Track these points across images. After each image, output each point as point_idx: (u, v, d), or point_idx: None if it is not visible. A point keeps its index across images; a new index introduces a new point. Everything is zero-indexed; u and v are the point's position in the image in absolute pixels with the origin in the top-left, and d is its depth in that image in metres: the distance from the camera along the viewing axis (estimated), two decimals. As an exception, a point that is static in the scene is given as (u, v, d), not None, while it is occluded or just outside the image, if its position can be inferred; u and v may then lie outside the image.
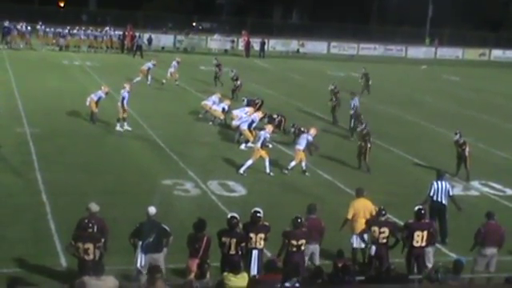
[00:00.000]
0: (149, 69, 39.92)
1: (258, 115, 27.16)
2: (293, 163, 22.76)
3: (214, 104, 29.36)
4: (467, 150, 23.38)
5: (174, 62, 40.19)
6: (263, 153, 22.79)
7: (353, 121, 29.44)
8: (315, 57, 64.99)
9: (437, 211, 17.13)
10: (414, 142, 29.08)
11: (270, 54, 62.45)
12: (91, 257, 12.37)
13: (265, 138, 23.12)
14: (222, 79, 39.60)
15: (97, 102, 28.53)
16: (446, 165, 24.21)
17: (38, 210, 17.71)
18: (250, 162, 22.47)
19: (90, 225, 12.66)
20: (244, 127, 26.20)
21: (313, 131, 23.49)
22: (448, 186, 17.46)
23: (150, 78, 39.45)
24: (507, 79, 57.25)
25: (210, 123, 29.44)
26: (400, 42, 76.64)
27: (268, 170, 22.48)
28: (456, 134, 23.89)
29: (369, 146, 23.72)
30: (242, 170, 22.30)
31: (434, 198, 17.28)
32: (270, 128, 24.01)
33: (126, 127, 27.47)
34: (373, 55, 70.16)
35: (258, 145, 22.84)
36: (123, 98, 27.81)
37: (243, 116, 26.97)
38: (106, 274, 10.89)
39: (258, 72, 47.91)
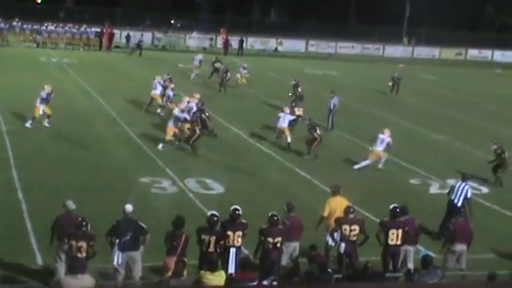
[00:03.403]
0: (200, 62, 43.15)
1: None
2: (364, 163, 23.72)
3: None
4: (506, 157, 23.58)
5: (241, 69, 41.33)
6: (381, 153, 23.71)
7: (331, 118, 29.60)
8: (293, 55, 65.12)
9: (450, 211, 17.50)
10: (392, 140, 29.15)
11: (249, 52, 62.49)
12: (84, 255, 12.36)
13: (388, 143, 23.88)
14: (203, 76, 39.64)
15: (44, 103, 26.64)
16: (422, 163, 24.45)
17: (13, 208, 17.59)
18: (367, 162, 23.63)
19: (84, 223, 12.61)
20: (284, 125, 26.35)
21: (387, 132, 24.08)
22: (468, 189, 17.67)
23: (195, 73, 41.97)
24: (483, 78, 57.73)
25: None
26: (377, 40, 76.95)
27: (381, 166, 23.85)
28: (495, 144, 24.14)
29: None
30: (357, 167, 23.53)
31: (452, 197, 17.62)
32: (387, 133, 24.14)
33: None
34: (350, 54, 70.47)
35: (380, 148, 23.75)
36: (168, 96, 28.92)
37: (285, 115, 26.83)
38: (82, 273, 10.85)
39: (236, 70, 47.87)
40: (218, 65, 41.96)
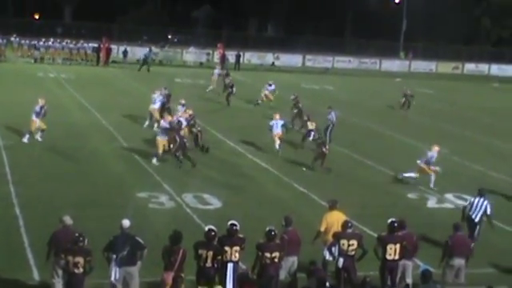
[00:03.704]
0: (219, 75, 43.33)
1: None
2: (412, 174, 24.09)
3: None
4: None
5: (267, 85, 40.55)
6: (429, 170, 23.78)
7: (328, 133, 29.60)
8: (290, 70, 65.21)
9: (468, 226, 17.55)
10: (389, 154, 29.22)
11: (246, 67, 62.59)
12: (81, 270, 12.31)
13: (431, 158, 24.00)
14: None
15: (39, 117, 26.69)
16: (420, 177, 24.40)
17: (10, 223, 17.53)
18: (412, 174, 24.04)
19: (81, 238, 12.56)
20: (279, 131, 27.71)
21: (436, 148, 24.28)
22: (487, 204, 17.70)
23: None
24: (480, 92, 57.84)
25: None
26: (374, 55, 77.23)
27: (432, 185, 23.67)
28: None
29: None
30: (403, 175, 24.01)
31: (470, 213, 17.68)
32: (436, 149, 24.29)
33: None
34: (347, 68, 70.64)
35: (427, 165, 23.86)
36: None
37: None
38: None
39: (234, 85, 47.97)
40: (227, 80, 42.30)
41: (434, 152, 24.01)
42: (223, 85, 41.61)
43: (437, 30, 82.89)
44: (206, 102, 38.08)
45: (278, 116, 28.30)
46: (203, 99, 39.31)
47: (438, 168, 23.91)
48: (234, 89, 39.74)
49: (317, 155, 25.31)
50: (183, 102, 29.37)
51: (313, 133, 28.44)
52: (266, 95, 39.88)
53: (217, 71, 45.06)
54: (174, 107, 30.47)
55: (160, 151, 24.69)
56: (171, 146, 24.63)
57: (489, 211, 17.64)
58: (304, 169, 25.03)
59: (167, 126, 24.95)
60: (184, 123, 26.51)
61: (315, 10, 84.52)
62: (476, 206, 17.65)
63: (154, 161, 24.56)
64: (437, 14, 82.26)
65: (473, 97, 52.65)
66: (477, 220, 17.54)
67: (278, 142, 27.40)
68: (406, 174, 24.20)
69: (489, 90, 62.27)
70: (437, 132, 35.34)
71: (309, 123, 29.04)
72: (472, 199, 17.98)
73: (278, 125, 27.72)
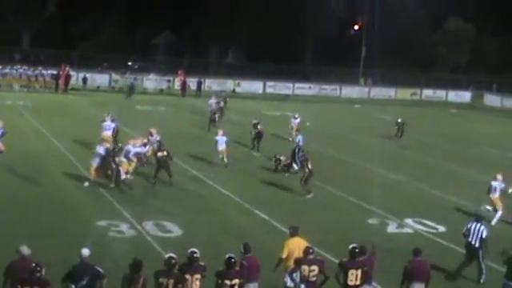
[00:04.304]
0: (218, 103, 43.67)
1: None
2: (499, 213, 23.85)
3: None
4: None
5: (294, 118, 39.54)
6: (498, 200, 23.89)
7: (296, 156, 29.64)
8: (251, 96, 65.41)
9: (469, 252, 17.79)
10: (349, 180, 29.34)
11: (207, 94, 62.51)
12: None
13: (501, 189, 23.96)
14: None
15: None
16: (380, 202, 24.56)
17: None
18: (500, 214, 23.76)
19: (39, 268, 12.34)
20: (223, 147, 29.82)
21: (500, 177, 24.25)
22: (483, 229, 17.80)
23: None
24: (438, 118, 58.53)
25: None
26: (334, 81, 77.80)
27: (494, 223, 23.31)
28: None
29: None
30: (493, 223, 23.16)
31: (469, 239, 17.81)
32: (500, 177, 24.18)
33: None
34: (308, 95, 71.03)
35: (496, 195, 23.87)
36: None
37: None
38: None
39: (195, 112, 47.95)
40: (222, 104, 42.97)
41: (498, 181, 24.04)
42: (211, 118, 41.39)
43: (396, 57, 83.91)
44: (167, 128, 37.90)
45: (221, 132, 30.38)
46: (164, 126, 39.14)
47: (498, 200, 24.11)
48: (217, 115, 40.22)
49: (303, 178, 25.64)
50: (154, 130, 29.19)
51: (289, 161, 29.29)
52: (292, 129, 38.56)
53: (213, 101, 44.86)
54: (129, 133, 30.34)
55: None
56: (109, 171, 24.86)
57: (484, 235, 17.79)
58: (308, 196, 25.38)
59: (102, 152, 24.97)
60: (145, 150, 26.54)
61: (275, 37, 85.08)
62: (473, 232, 17.79)
63: (86, 184, 24.74)
64: (395, 41, 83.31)
65: (431, 123, 53.26)
66: (477, 245, 17.68)
67: (221, 156, 29.65)
68: (495, 220, 23.75)
69: (446, 115, 63.11)
70: (396, 158, 35.68)
71: (281, 159, 29.82)
72: (469, 225, 18.08)
73: (222, 141, 29.84)
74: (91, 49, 79.10)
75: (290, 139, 37.44)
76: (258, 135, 34.50)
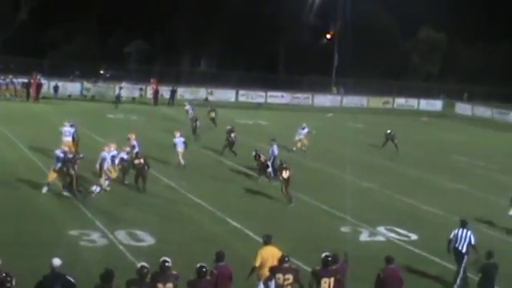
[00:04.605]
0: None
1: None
2: None
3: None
4: None
5: (301, 129, 39.21)
6: None
7: (271, 165, 29.67)
8: (223, 105, 65.33)
9: (456, 258, 17.99)
10: (322, 188, 29.43)
11: (179, 102, 62.37)
12: None
13: None
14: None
15: None
16: (352, 210, 24.66)
17: None
18: None
19: (9, 278, 12.19)
20: (181, 149, 30.95)
21: None
22: (470, 235, 18.02)
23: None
24: (410, 126, 58.90)
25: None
26: (307, 90, 78.02)
27: None
28: None
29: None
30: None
31: (456, 245, 18.00)
32: None
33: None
34: (280, 103, 71.12)
35: None
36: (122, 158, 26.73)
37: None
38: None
39: (167, 120, 47.84)
40: (213, 114, 43.11)
41: None
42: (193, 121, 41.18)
43: (368, 65, 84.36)
44: (139, 137, 37.76)
45: (178, 133, 31.42)
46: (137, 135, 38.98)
47: None
48: (199, 122, 40.22)
49: (283, 185, 25.88)
50: (132, 136, 29.17)
51: (269, 162, 29.67)
52: (299, 140, 38.51)
53: (189, 107, 46.07)
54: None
55: (49, 180, 24.89)
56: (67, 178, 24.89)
57: (473, 241, 18.00)
58: (290, 205, 25.63)
59: (60, 154, 24.99)
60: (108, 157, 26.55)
61: (248, 45, 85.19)
62: (461, 238, 18.00)
63: (44, 190, 24.70)
64: (368, 50, 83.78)
65: (403, 131, 53.51)
66: (464, 251, 17.89)
67: (180, 157, 30.70)
68: None
69: (418, 124, 63.53)
70: (368, 166, 35.85)
71: (261, 157, 29.90)
72: (455, 231, 18.25)
73: (180, 142, 30.97)
74: (63, 57, 78.54)
75: (294, 149, 38.02)
76: (230, 142, 34.81)
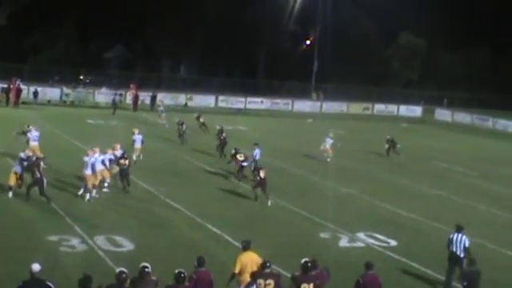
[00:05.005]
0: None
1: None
2: None
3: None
4: None
5: (327, 138, 39.26)
6: None
7: (252, 170, 29.70)
8: (203, 110, 65.20)
9: (454, 262, 18.24)
10: (301, 194, 29.48)
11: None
12: None
13: None
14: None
15: None
16: (332, 216, 24.72)
17: None
18: None
19: None
20: (138, 145, 32.77)
21: None
22: (465, 239, 18.29)
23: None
24: (389, 132, 58.98)
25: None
26: (286, 95, 78.19)
27: None
28: None
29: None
30: None
31: (453, 249, 18.29)
32: None
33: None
34: (260, 109, 71.21)
35: None
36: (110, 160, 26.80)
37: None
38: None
39: (147, 126, 47.72)
40: (202, 119, 45.01)
41: None
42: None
43: (348, 71, 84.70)
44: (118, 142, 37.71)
45: (137, 131, 33.36)
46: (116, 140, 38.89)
47: None
48: (185, 126, 40.95)
49: (256, 184, 26.26)
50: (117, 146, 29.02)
51: (246, 163, 30.19)
52: (325, 150, 38.68)
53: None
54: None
55: (11, 183, 24.87)
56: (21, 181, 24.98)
57: (467, 244, 18.27)
58: (269, 203, 26.22)
59: (23, 156, 25.11)
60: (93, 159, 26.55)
61: (228, 51, 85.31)
62: (456, 242, 18.28)
63: (10, 194, 24.75)
64: (347, 56, 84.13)
65: (383, 137, 53.68)
66: (462, 255, 18.13)
67: (138, 153, 32.43)
68: None
69: (398, 130, 63.69)
70: (348, 172, 35.95)
71: (238, 156, 30.37)
72: (451, 236, 18.54)
73: (139, 139, 32.78)
74: (42, 62, 78.32)
75: (328, 159, 38.22)
76: (222, 142, 36.04)
